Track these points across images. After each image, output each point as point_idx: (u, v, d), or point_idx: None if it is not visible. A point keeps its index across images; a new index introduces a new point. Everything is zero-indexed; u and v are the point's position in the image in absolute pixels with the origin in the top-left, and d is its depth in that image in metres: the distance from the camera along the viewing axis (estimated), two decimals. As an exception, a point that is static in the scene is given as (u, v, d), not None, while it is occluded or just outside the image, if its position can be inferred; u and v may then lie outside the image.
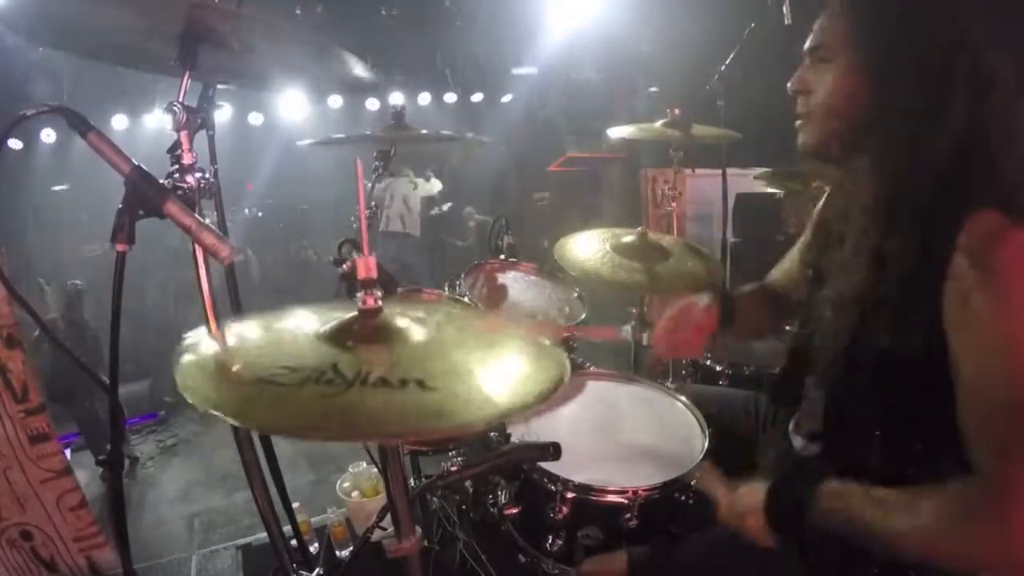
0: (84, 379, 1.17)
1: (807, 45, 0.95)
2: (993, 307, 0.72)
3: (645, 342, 2.23)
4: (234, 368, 0.72)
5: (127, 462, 4.09)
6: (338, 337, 0.78)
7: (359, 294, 0.79)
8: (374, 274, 0.80)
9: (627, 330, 1.75)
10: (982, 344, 0.74)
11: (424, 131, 1.82)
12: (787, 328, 1.48)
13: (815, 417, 1.05)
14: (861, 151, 0.90)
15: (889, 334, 0.82)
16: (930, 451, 0.82)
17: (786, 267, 1.33)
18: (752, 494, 0.96)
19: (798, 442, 1.13)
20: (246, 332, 0.86)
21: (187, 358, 0.74)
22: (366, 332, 0.78)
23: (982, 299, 0.73)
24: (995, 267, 0.73)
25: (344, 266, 1.29)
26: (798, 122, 0.98)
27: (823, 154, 0.97)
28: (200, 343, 0.79)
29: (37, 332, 2.26)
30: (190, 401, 0.64)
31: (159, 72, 1.22)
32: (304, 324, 0.84)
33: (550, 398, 0.68)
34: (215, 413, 0.62)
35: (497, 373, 0.73)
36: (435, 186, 6.63)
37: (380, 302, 0.80)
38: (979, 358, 0.74)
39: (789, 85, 0.97)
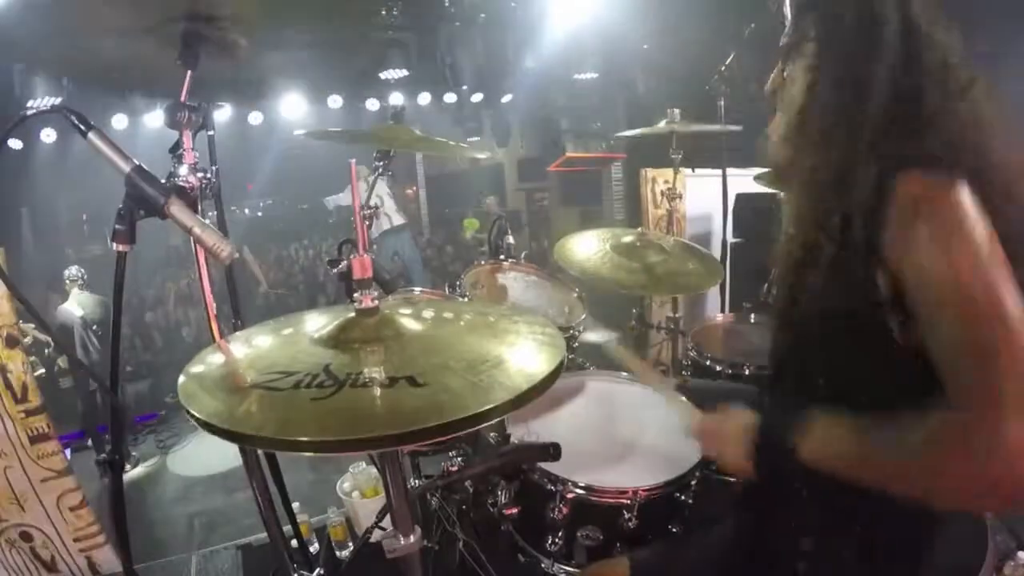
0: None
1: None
2: (945, 266, 0.74)
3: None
4: (246, 380, 0.72)
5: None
6: (335, 338, 0.78)
7: (356, 294, 0.79)
8: (370, 274, 0.80)
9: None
10: (933, 293, 0.76)
11: (420, 133, 1.82)
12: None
13: None
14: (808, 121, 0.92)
15: (824, 286, 0.85)
16: (873, 401, 0.81)
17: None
18: (732, 422, 0.96)
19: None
20: (247, 339, 0.86)
21: (192, 372, 0.74)
22: (363, 332, 0.78)
23: (932, 260, 0.75)
24: (937, 221, 0.75)
25: (340, 266, 1.29)
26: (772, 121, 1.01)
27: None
28: (206, 357, 0.79)
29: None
30: (194, 417, 0.64)
31: (161, 89, 1.23)
32: (304, 326, 0.84)
33: (546, 390, 0.67)
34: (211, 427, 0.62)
35: (494, 365, 0.72)
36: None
37: (376, 301, 0.80)
38: (943, 315, 0.76)
39: (765, 88, 1.01)
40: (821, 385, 0.90)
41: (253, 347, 0.83)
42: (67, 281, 4.52)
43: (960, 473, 0.72)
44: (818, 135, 0.88)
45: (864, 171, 0.81)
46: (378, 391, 0.66)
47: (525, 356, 0.75)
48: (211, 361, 0.78)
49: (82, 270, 4.60)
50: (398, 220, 6.21)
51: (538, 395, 0.67)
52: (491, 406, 0.62)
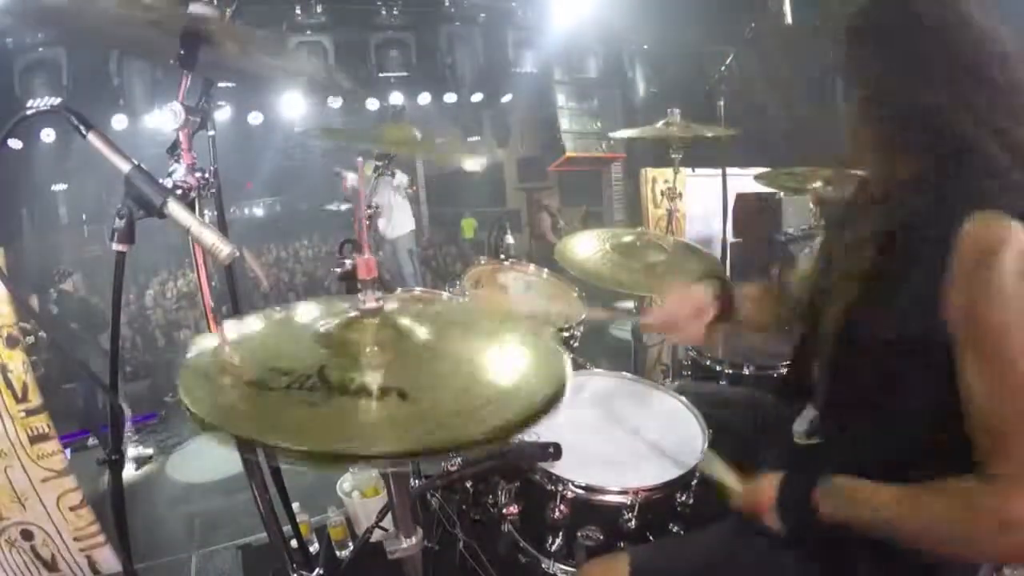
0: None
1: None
2: (996, 318, 0.73)
3: (645, 340, 2.22)
4: (234, 363, 0.70)
5: (135, 463, 4.12)
6: (335, 339, 0.75)
7: (360, 295, 0.78)
8: (375, 274, 0.78)
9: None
10: (986, 357, 0.75)
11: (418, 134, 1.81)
12: (787, 328, 1.47)
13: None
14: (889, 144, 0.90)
15: (884, 317, 0.84)
16: (928, 441, 0.83)
17: (804, 267, 1.34)
18: (767, 487, 0.98)
19: (799, 435, 1.13)
20: (249, 327, 0.83)
21: (191, 358, 0.72)
22: (365, 334, 0.75)
23: (985, 309, 0.74)
24: (997, 274, 0.73)
25: (343, 266, 1.28)
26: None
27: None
28: (204, 342, 0.76)
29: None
30: (188, 407, 0.61)
31: (162, 62, 1.22)
32: (308, 322, 0.81)
33: (535, 423, 0.61)
34: (202, 424, 0.59)
35: (491, 384, 0.68)
36: (403, 179, 6.25)
37: (381, 302, 0.78)
38: (983, 367, 0.75)
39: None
40: (874, 427, 0.90)
41: (254, 337, 0.80)
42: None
43: (977, 543, 0.76)
44: (898, 147, 0.86)
45: (935, 195, 0.79)
46: (365, 403, 0.63)
47: (522, 391, 0.68)
48: (207, 349, 0.75)
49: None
50: (400, 228, 6.12)
51: (530, 426, 0.61)
52: (473, 438, 0.58)
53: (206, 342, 0.76)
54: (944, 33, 0.81)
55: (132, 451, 4.14)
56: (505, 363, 0.75)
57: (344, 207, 6.10)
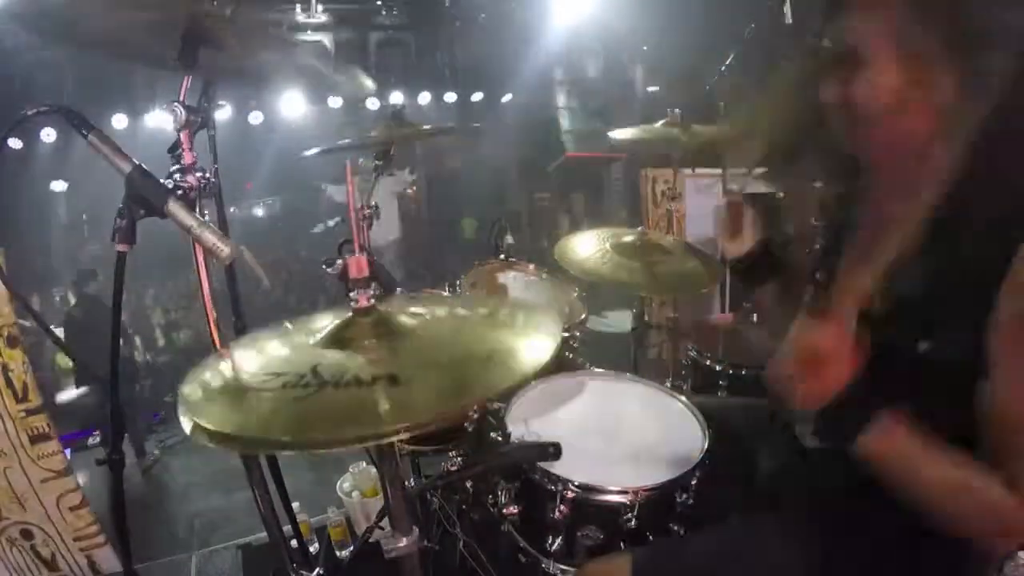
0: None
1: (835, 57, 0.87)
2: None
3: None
4: (243, 384, 0.72)
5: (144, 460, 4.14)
6: (332, 339, 0.78)
7: (352, 294, 0.79)
8: (366, 273, 0.79)
9: None
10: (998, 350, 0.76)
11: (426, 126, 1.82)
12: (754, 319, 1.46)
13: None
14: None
15: (924, 334, 0.83)
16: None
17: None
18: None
19: (807, 437, 1.12)
20: (248, 343, 0.86)
21: (195, 384, 0.73)
22: (361, 332, 0.78)
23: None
24: None
25: (335, 266, 1.28)
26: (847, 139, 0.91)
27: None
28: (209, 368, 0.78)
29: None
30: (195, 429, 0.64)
31: (161, 68, 1.22)
32: (306, 328, 0.84)
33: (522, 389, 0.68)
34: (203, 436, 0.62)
35: (478, 361, 0.73)
36: (407, 178, 6.20)
37: (373, 301, 0.80)
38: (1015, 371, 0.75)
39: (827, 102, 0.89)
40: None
41: (255, 349, 0.83)
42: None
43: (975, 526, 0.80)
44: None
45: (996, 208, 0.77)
46: (358, 390, 0.66)
47: (514, 354, 0.75)
48: (213, 370, 0.77)
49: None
50: (396, 232, 6.13)
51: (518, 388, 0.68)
52: (466, 399, 0.66)
53: (208, 369, 0.77)
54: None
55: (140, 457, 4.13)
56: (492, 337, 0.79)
57: (333, 223, 6.12)
